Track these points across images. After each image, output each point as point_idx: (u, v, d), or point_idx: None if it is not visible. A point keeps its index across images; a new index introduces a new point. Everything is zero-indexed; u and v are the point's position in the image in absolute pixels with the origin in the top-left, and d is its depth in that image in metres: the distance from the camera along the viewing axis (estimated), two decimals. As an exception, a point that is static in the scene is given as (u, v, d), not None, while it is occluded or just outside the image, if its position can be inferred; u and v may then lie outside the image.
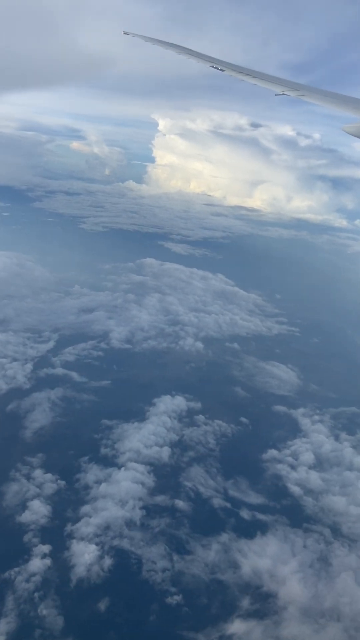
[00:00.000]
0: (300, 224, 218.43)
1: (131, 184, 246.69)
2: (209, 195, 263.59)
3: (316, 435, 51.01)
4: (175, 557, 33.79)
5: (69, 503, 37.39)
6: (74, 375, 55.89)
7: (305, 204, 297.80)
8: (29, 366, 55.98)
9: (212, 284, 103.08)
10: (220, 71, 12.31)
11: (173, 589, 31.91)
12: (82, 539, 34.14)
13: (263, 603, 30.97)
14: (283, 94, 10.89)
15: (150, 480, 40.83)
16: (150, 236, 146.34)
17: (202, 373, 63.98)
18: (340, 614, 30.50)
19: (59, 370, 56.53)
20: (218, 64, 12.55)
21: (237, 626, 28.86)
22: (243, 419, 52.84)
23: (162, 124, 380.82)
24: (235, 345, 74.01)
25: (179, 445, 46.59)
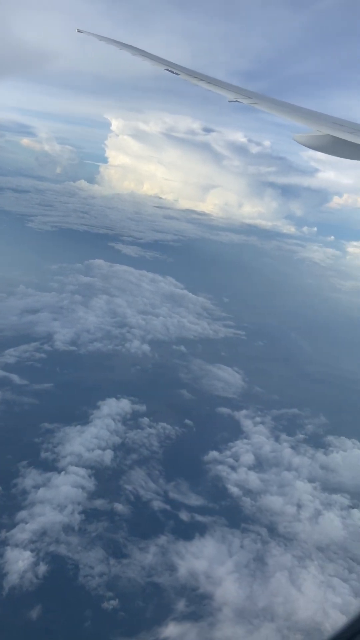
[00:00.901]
0: (250, 230, 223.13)
1: (83, 183, 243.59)
2: (161, 198, 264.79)
3: (257, 437, 51.96)
4: (112, 561, 33.47)
5: (4, 509, 36.24)
6: (15, 377, 54.30)
7: (255, 210, 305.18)
8: (-34, 368, 54.02)
9: (162, 287, 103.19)
10: (174, 75, 12.32)
11: (109, 594, 31.57)
12: (16, 545, 33.18)
13: (198, 605, 31.14)
14: (236, 101, 11.00)
15: (90, 484, 40.26)
16: (101, 237, 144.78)
17: (148, 376, 63.86)
18: (274, 614, 31.08)
19: (-1, 373, 54.83)
20: (173, 67, 12.57)
21: (171, 629, 28.86)
22: (187, 421, 53.09)
23: (115, 124, 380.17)
24: (182, 348, 74.34)
25: (122, 448, 46.24)
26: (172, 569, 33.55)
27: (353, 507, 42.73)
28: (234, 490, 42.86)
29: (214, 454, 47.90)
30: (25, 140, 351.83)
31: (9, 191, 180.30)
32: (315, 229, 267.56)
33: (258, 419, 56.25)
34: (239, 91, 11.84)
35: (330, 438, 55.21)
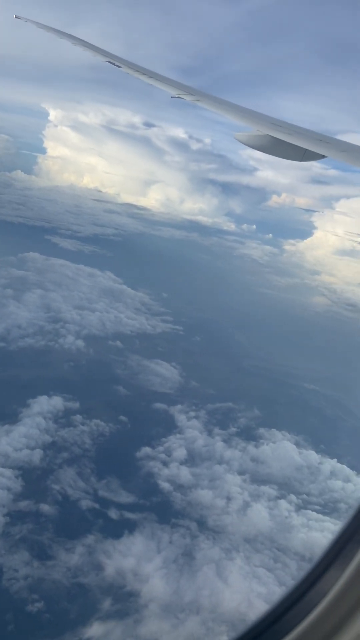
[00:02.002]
0: (191, 226, 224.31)
1: (19, 174, 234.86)
2: (102, 192, 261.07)
3: (191, 431, 52.28)
4: (37, 563, 32.60)
5: None
6: None
7: (197, 206, 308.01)
8: None
9: (100, 282, 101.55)
10: (116, 67, 12.03)
11: (34, 596, 30.75)
12: None
13: (124, 603, 30.93)
14: (179, 97, 10.84)
15: (17, 485, 39.00)
16: (37, 230, 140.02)
17: (83, 372, 62.65)
18: (199, 607, 31.36)
19: None
20: (114, 59, 12.29)
21: (95, 629, 28.50)
22: (122, 418, 52.54)
23: (53, 114, 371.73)
24: (119, 343, 73.52)
25: (53, 447, 45.09)
26: (99, 568, 33.12)
27: (280, 498, 43.95)
28: (165, 485, 42.88)
29: (146, 450, 47.72)
30: None
31: None
32: (254, 226, 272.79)
33: (192, 414, 56.59)
34: (181, 87, 11.81)
35: (261, 430, 56.46)
